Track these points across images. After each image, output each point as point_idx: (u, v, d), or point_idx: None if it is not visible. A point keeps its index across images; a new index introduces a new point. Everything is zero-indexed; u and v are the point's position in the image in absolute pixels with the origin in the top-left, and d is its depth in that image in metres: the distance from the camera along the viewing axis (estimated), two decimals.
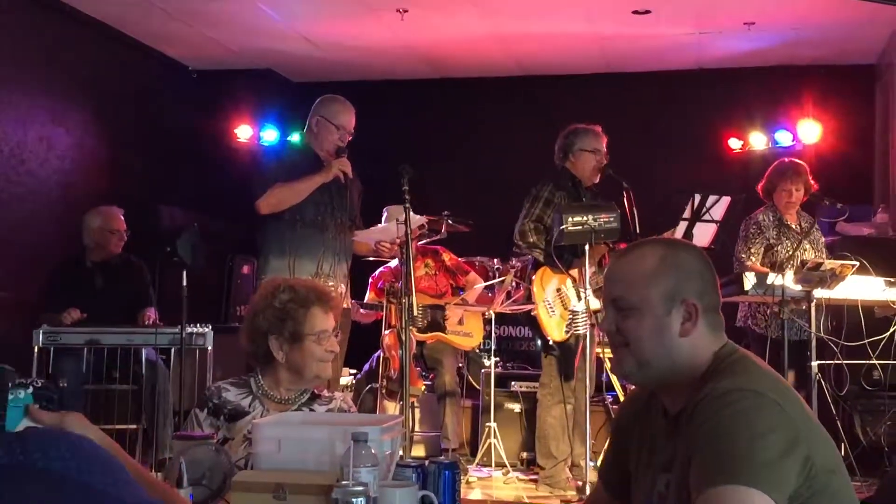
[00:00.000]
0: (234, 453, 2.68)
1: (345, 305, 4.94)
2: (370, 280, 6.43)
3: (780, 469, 1.70)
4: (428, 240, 6.38)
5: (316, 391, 3.02)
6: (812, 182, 5.86)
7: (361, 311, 6.25)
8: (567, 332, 5.26)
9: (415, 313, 4.59)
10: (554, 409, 5.48)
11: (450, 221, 6.49)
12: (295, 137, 6.77)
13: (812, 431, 1.81)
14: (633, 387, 2.25)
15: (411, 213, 4.49)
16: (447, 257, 6.56)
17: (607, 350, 6.10)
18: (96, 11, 7.20)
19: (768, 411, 1.75)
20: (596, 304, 5.34)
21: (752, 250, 5.82)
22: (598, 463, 5.29)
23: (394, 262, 6.07)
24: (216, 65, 8.56)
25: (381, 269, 6.50)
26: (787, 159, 6.04)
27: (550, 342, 5.34)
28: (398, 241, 4.93)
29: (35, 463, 1.24)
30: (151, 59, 8.18)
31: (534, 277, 5.42)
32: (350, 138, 5.01)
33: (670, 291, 1.93)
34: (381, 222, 5.44)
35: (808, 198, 5.89)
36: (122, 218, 6.02)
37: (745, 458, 1.69)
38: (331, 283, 4.85)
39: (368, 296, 6.39)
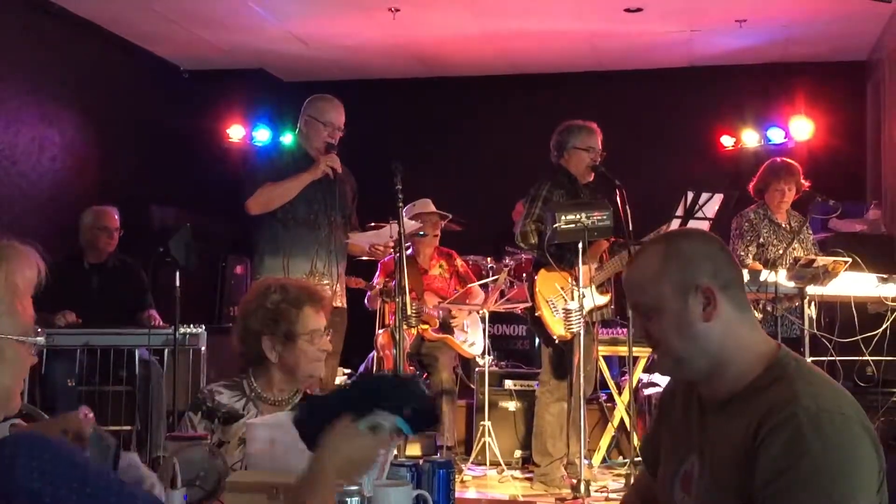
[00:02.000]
0: (230, 456, 2.66)
1: (340, 304, 4.93)
2: (380, 265, 6.37)
3: None
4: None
5: (309, 391, 3.01)
6: (804, 182, 5.87)
7: (369, 294, 6.27)
8: (567, 330, 5.26)
9: (409, 312, 4.58)
10: (552, 406, 5.48)
11: (447, 217, 6.50)
12: (287, 139, 6.77)
13: (879, 447, 1.83)
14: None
15: (406, 219, 4.48)
16: (459, 263, 6.58)
17: (603, 347, 6.12)
18: (87, 12, 7.19)
19: (862, 442, 1.77)
20: (595, 301, 5.34)
21: (749, 248, 5.82)
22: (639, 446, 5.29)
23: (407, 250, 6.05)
24: (208, 65, 8.55)
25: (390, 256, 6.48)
26: (779, 159, 6.05)
27: (556, 340, 5.33)
28: (392, 243, 4.92)
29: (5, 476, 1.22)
30: (143, 59, 8.16)
31: (536, 277, 5.42)
32: (340, 135, 4.99)
33: (681, 282, 1.92)
34: (377, 222, 5.42)
35: (799, 196, 5.90)
36: (116, 217, 6.00)
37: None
38: (325, 282, 4.84)
39: (377, 279, 6.37)
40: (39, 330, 1.49)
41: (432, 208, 6.45)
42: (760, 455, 1.77)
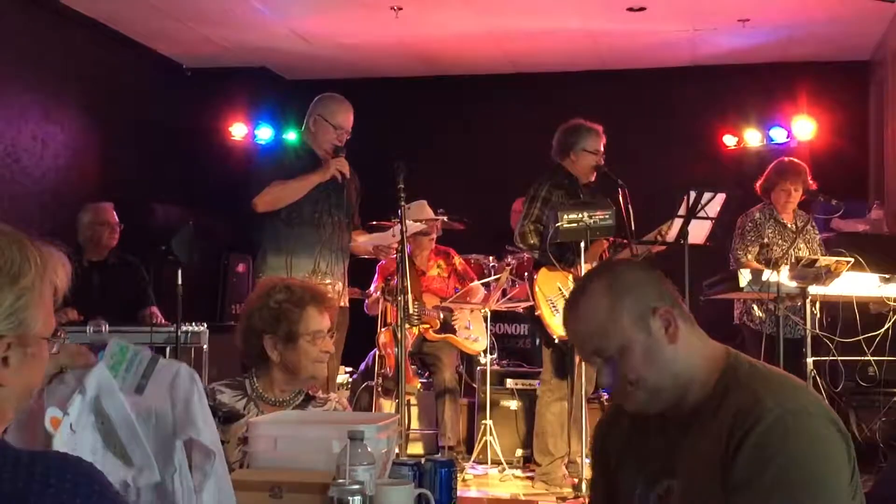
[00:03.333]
0: (229, 455, 2.67)
1: (342, 304, 4.94)
2: (378, 268, 6.39)
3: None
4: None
5: (310, 392, 3.01)
6: (810, 182, 5.87)
7: (367, 302, 6.29)
8: None
9: (410, 311, 4.59)
10: (554, 405, 5.48)
11: (445, 219, 6.50)
12: (292, 136, 6.77)
13: (847, 436, 1.83)
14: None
15: (409, 220, 4.49)
16: (458, 261, 6.58)
17: None
18: (90, 9, 7.19)
19: (828, 438, 1.77)
20: None
21: (749, 248, 5.82)
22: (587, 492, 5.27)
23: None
24: (210, 63, 8.54)
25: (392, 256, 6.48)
26: (786, 159, 6.04)
27: (556, 340, 5.33)
28: (395, 243, 4.92)
29: (29, 495, 1.22)
30: (145, 57, 8.16)
31: (535, 277, 5.42)
32: (348, 137, 4.99)
33: (638, 312, 1.89)
34: (379, 220, 5.42)
35: (805, 196, 5.90)
36: (114, 212, 6.00)
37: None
38: (328, 282, 4.84)
39: (375, 284, 6.37)
40: (60, 331, 1.52)
41: (429, 212, 6.43)
42: (732, 466, 1.76)
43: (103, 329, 5.40)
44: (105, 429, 1.74)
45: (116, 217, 5.98)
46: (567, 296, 5.23)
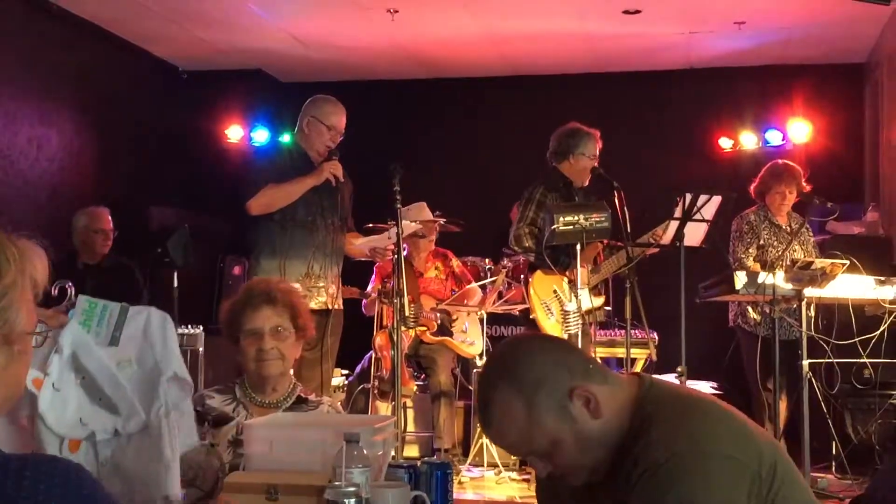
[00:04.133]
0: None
1: (336, 307, 4.94)
2: (375, 269, 6.38)
3: None
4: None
5: (302, 395, 3.00)
6: (805, 184, 5.88)
7: (365, 302, 6.28)
8: (564, 332, 5.26)
9: (406, 314, 4.58)
10: None
11: (442, 222, 6.50)
12: (286, 138, 6.77)
13: (749, 449, 1.78)
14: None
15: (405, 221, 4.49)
16: (455, 263, 6.57)
17: (601, 349, 6.12)
18: (86, 12, 7.18)
19: (723, 474, 1.72)
20: (590, 302, 5.34)
21: (749, 250, 5.82)
22: None
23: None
24: (206, 65, 8.54)
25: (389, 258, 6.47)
26: (780, 161, 6.05)
27: None
28: (392, 245, 4.92)
29: (19, 500, 1.22)
30: (141, 59, 8.16)
31: (531, 279, 5.42)
32: (341, 138, 4.99)
33: (555, 403, 1.82)
34: (375, 223, 5.42)
35: (799, 198, 5.91)
36: (109, 218, 5.99)
37: None
38: (321, 284, 4.85)
39: (372, 285, 6.36)
40: (42, 324, 1.52)
41: (428, 214, 6.44)
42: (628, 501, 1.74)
43: (64, 322, 5.39)
44: (87, 383, 1.76)
45: (111, 222, 5.98)
46: (562, 297, 5.26)
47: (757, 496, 1.75)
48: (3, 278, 1.37)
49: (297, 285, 4.42)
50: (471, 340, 6.37)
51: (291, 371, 3.11)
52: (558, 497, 2.04)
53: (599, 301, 5.47)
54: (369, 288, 6.37)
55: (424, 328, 6.26)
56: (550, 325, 5.30)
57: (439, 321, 6.33)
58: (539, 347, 1.93)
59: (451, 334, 6.34)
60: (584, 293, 5.04)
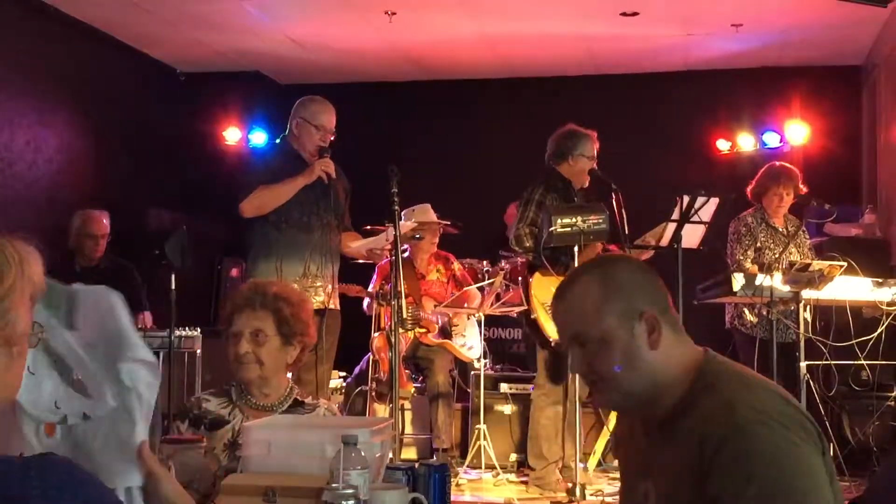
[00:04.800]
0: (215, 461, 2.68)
1: (332, 306, 4.93)
2: (377, 268, 6.36)
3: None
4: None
5: (299, 397, 2.99)
6: (802, 187, 5.88)
7: (368, 301, 6.27)
8: None
9: (404, 315, 4.58)
10: (548, 409, 5.47)
11: (440, 224, 6.49)
12: (278, 140, 6.77)
13: (821, 438, 1.81)
14: None
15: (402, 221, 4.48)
16: (457, 267, 6.57)
17: None
18: (84, 14, 7.18)
19: (802, 443, 1.75)
20: None
21: (747, 252, 5.83)
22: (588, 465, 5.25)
23: (404, 253, 6.02)
24: (204, 67, 8.54)
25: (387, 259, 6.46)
26: (777, 163, 6.05)
27: (552, 342, 5.33)
28: (389, 247, 4.91)
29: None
30: (139, 61, 8.16)
31: (530, 281, 5.42)
32: (332, 137, 4.98)
33: (625, 311, 1.87)
34: (373, 225, 5.42)
35: (796, 200, 5.91)
36: (105, 222, 5.97)
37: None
38: (318, 284, 4.84)
39: (373, 285, 6.35)
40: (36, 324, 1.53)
41: (432, 216, 6.42)
42: (710, 475, 1.74)
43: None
44: (59, 367, 1.76)
45: (108, 226, 5.97)
46: None
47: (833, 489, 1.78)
48: (4, 281, 1.37)
49: (294, 286, 4.41)
50: (469, 344, 6.37)
51: (290, 374, 3.11)
52: (627, 456, 2.09)
53: None
54: (370, 287, 6.36)
55: (424, 330, 6.26)
56: (552, 326, 5.30)
57: (440, 324, 6.33)
58: (639, 266, 2.02)
59: (451, 337, 6.34)
60: None
